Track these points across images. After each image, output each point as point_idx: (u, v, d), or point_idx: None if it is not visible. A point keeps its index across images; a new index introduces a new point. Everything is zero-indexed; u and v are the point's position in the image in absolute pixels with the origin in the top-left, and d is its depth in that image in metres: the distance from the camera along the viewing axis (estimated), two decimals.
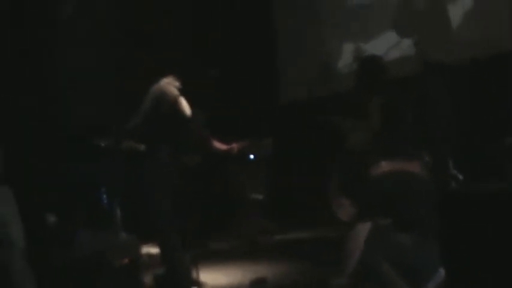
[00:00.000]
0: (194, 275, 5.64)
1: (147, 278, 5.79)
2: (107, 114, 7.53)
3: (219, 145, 7.36)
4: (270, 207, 8.29)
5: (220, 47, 9.43)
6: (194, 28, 9.55)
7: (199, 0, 9.69)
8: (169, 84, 5.65)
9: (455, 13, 7.42)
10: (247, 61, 9.43)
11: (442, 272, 3.88)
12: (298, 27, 9.37)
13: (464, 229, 2.39)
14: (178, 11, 9.49)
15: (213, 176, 7.58)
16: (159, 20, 9.17)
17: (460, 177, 6.29)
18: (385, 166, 4.82)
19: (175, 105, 5.63)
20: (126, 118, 5.73)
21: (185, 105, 5.72)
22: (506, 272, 2.25)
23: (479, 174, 6.23)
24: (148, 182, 5.63)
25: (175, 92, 5.65)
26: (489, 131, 6.66)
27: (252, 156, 8.11)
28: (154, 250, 6.59)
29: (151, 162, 5.61)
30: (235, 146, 7.46)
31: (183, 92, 5.75)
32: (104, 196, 6.64)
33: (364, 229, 4.26)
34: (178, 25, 9.40)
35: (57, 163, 7.25)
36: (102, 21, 8.85)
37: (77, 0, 8.62)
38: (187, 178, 6.07)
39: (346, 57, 8.61)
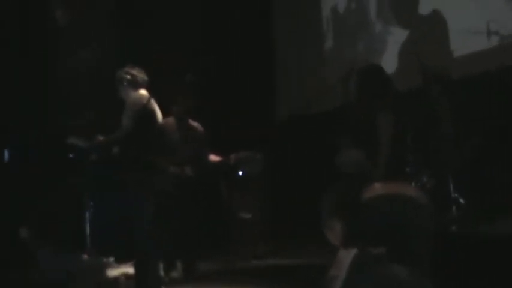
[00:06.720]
0: None
1: None
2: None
3: (214, 158, 7.14)
4: (261, 228, 7.86)
5: (217, 60, 9.23)
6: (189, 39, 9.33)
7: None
8: (144, 91, 5.58)
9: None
10: (244, 75, 9.20)
11: None
12: (296, 41, 9.13)
13: None
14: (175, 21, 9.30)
15: (202, 194, 7.18)
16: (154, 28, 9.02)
17: (462, 201, 5.89)
18: (378, 188, 4.31)
19: (153, 113, 5.57)
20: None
21: (156, 108, 5.66)
22: None
23: (482, 199, 5.83)
24: (130, 197, 5.40)
25: (150, 99, 5.54)
26: (497, 153, 6.18)
27: (240, 173, 7.70)
28: (132, 270, 6.18)
29: (135, 176, 5.36)
30: (232, 157, 7.24)
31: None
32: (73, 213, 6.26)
33: (347, 256, 3.77)
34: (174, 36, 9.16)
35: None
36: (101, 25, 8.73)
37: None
38: (175, 195, 6.06)
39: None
